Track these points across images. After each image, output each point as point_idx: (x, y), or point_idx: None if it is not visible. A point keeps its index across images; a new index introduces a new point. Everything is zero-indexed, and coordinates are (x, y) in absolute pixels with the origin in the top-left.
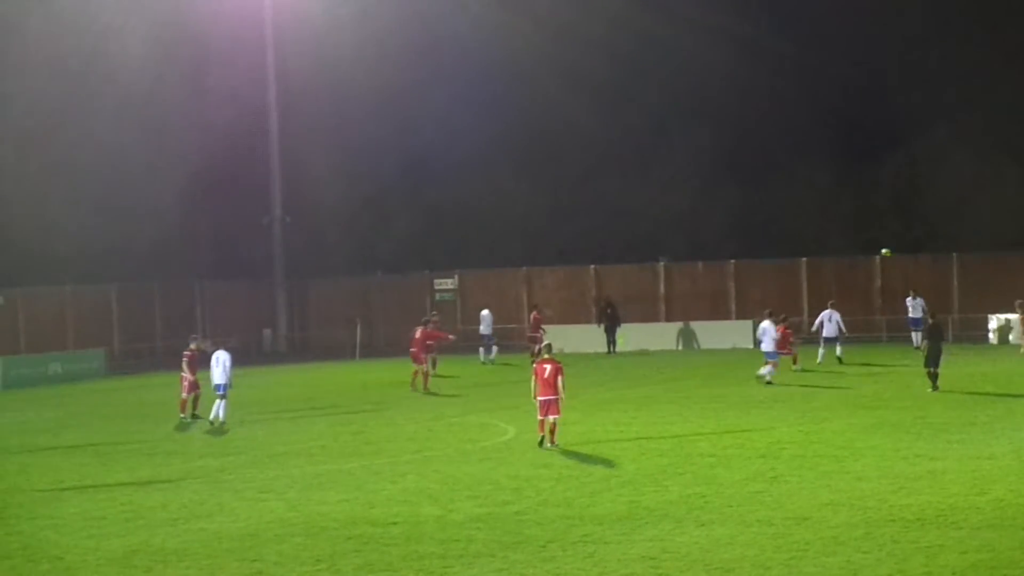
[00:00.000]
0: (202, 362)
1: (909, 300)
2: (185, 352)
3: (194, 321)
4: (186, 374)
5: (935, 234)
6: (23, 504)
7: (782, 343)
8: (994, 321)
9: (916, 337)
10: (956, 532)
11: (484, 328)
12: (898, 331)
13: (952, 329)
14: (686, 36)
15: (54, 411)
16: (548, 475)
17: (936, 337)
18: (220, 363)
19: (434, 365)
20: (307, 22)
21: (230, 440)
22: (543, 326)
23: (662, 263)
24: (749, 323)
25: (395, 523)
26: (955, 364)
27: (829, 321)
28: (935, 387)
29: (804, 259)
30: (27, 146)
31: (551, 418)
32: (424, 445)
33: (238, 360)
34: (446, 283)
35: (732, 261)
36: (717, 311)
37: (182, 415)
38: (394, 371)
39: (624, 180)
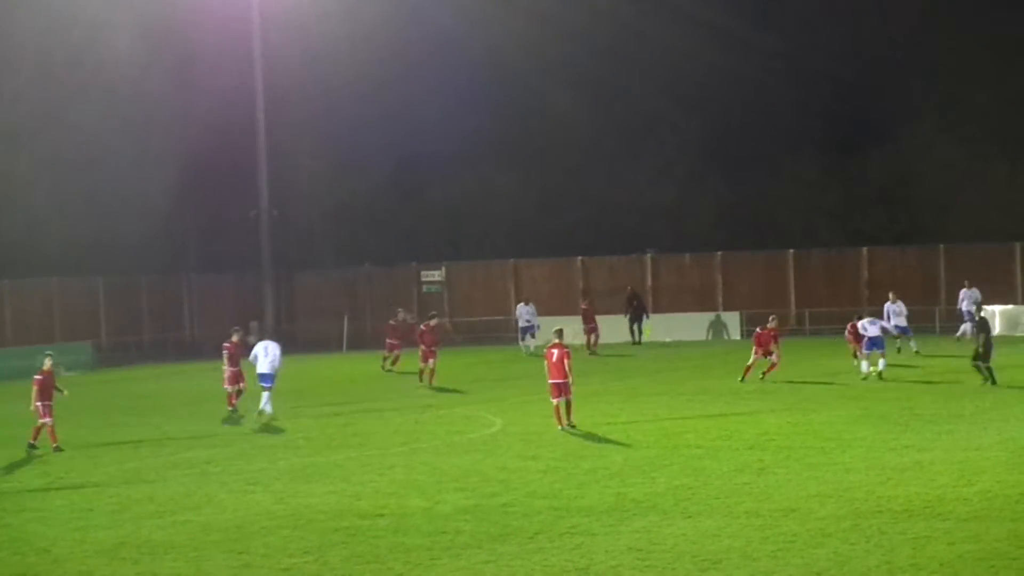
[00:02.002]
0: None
1: (964, 291)
2: (225, 344)
3: (181, 314)
4: (226, 367)
5: (922, 226)
6: (10, 497)
7: (764, 342)
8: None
9: (968, 328)
10: (943, 523)
11: (528, 319)
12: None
13: (939, 320)
14: (673, 29)
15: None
16: (535, 467)
17: (989, 330)
18: (269, 353)
19: (394, 362)
20: (294, 15)
21: (217, 432)
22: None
23: (649, 255)
24: (736, 315)
25: (382, 515)
26: (942, 356)
27: (897, 315)
28: (993, 381)
29: (791, 251)
30: (14, 140)
31: (564, 399)
32: (411, 437)
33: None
34: (433, 275)
35: (719, 253)
36: (704, 303)
37: (230, 408)
38: (381, 363)
39: (611, 172)
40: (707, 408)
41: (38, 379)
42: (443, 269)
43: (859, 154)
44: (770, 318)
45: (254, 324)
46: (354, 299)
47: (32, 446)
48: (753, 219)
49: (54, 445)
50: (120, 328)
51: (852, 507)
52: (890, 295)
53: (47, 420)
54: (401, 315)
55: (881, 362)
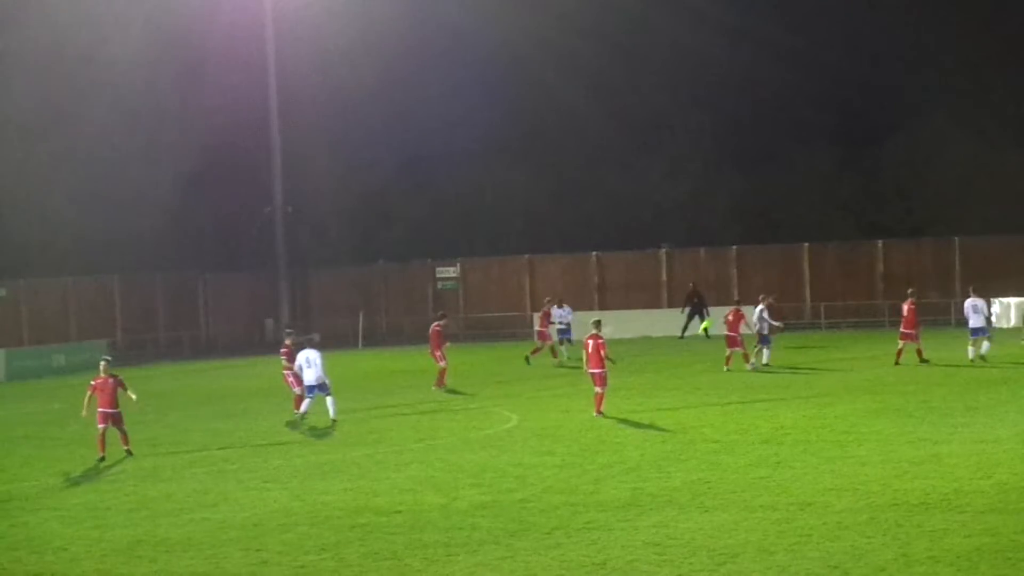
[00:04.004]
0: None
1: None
2: (282, 350)
3: (197, 312)
4: (289, 368)
5: (937, 218)
6: (28, 495)
7: (732, 327)
8: (997, 305)
9: None
10: (960, 516)
11: (564, 322)
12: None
13: (954, 313)
14: (686, 23)
15: (58, 403)
16: (552, 462)
17: None
18: (311, 363)
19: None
20: (306, 13)
21: (233, 430)
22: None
23: (664, 250)
24: (752, 308)
25: (399, 511)
26: (958, 349)
27: (975, 312)
28: None
29: (806, 244)
30: (29, 139)
31: (596, 389)
32: (427, 433)
33: (240, 350)
34: (448, 271)
35: (734, 247)
36: (720, 297)
37: (297, 412)
38: (397, 360)
39: (625, 167)
40: (723, 402)
41: (92, 385)
42: (458, 265)
43: (873, 147)
44: (735, 300)
45: (269, 322)
46: (369, 296)
47: (127, 452)
48: (768, 213)
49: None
50: (135, 326)
51: (868, 500)
52: (971, 290)
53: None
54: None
55: (985, 345)
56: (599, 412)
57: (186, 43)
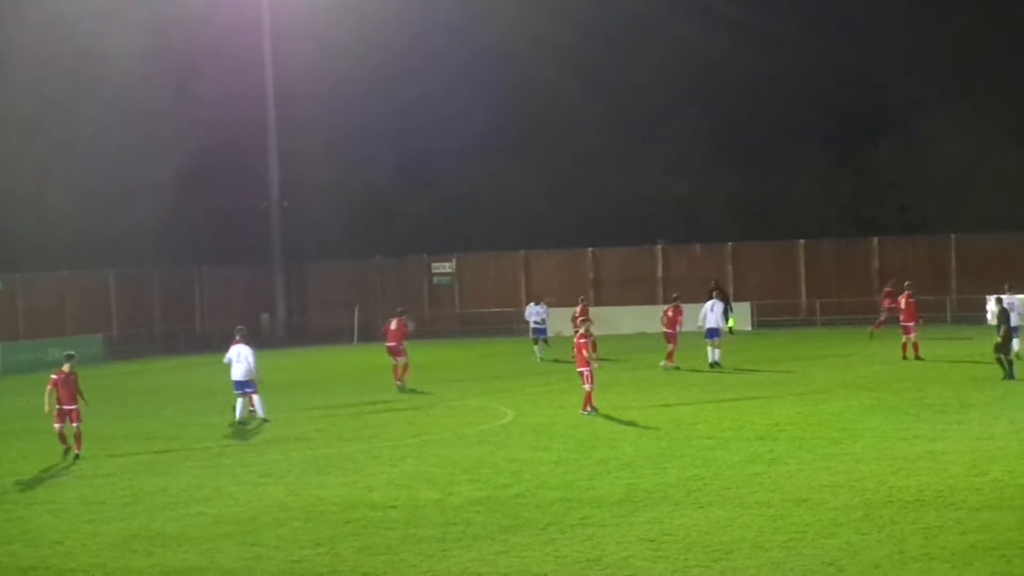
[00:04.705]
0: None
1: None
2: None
3: (193, 306)
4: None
5: (933, 216)
6: (23, 489)
7: (670, 324)
8: (992, 302)
9: None
10: (955, 513)
11: (538, 320)
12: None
13: (950, 311)
14: (683, 20)
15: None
16: (547, 458)
17: (1008, 321)
18: (242, 358)
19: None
20: (304, 8)
21: (228, 425)
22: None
23: (660, 246)
24: (747, 305)
25: (394, 506)
26: (953, 346)
27: (1012, 310)
28: (1011, 375)
29: (802, 241)
30: (25, 133)
31: (584, 387)
32: (423, 429)
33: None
34: (444, 267)
35: (730, 244)
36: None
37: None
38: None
39: (622, 164)
40: (718, 398)
41: (54, 379)
42: (454, 261)
43: (869, 144)
44: (674, 295)
45: (265, 317)
46: (365, 291)
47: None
48: (764, 210)
49: (69, 448)
50: (131, 321)
51: (863, 497)
52: (1006, 287)
53: (58, 425)
54: None
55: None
56: (588, 409)
57: (183, 38)
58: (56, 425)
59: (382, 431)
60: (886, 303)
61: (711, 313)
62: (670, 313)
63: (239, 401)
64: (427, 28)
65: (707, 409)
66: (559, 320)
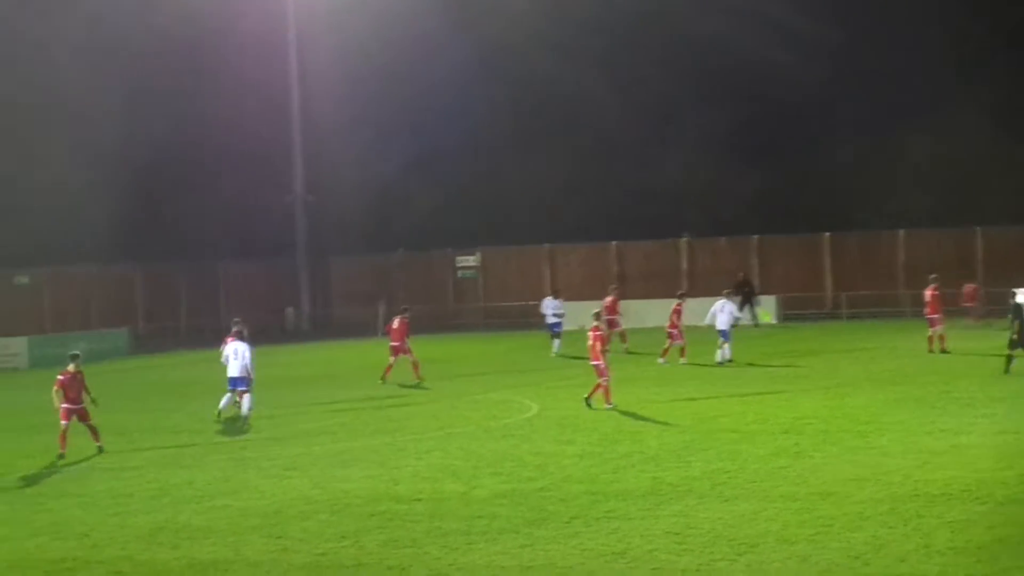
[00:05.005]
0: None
1: None
2: (228, 338)
3: (217, 301)
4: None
5: (958, 208)
6: (51, 482)
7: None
8: (1020, 295)
9: None
10: (982, 507)
11: (554, 314)
12: (921, 305)
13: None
14: (706, 9)
15: None
16: (571, 451)
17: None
18: (239, 355)
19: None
20: (326, 2)
21: (254, 419)
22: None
23: (684, 239)
24: (772, 299)
25: (419, 500)
26: (979, 338)
27: None
28: (1008, 370)
29: (827, 234)
30: (51, 128)
31: (599, 381)
32: (447, 422)
33: (260, 338)
34: (468, 260)
35: (755, 237)
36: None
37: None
38: (416, 348)
39: (645, 156)
40: (743, 392)
41: (60, 380)
42: (478, 254)
43: (895, 136)
44: (679, 292)
45: (289, 310)
46: (389, 285)
47: (99, 449)
48: (789, 202)
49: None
50: (156, 315)
51: (889, 491)
52: None
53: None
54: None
55: None
56: (587, 399)
57: (207, 31)
58: (63, 422)
59: (406, 424)
60: (967, 300)
61: (720, 313)
62: (677, 308)
63: (227, 394)
64: (449, 21)
65: (731, 403)
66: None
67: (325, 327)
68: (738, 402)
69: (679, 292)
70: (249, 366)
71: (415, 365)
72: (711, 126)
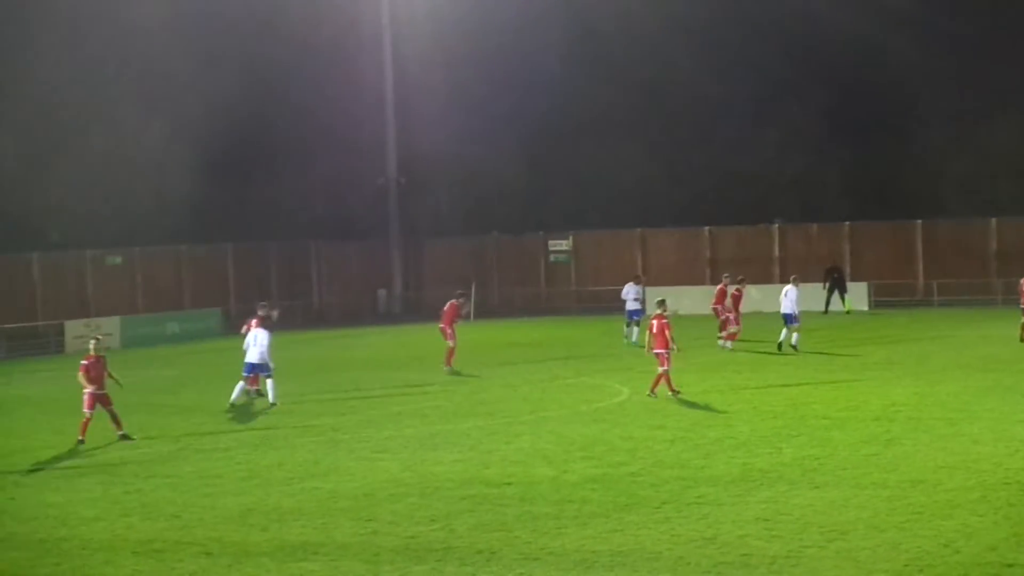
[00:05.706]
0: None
1: None
2: (253, 321)
3: (309, 282)
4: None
5: None
6: (141, 462)
7: (735, 305)
8: None
9: None
10: None
11: (631, 301)
12: (1013, 294)
13: None
14: None
15: (171, 370)
16: (662, 436)
17: None
18: (258, 342)
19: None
20: None
21: (345, 400)
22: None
23: (776, 225)
24: (864, 285)
25: (509, 483)
26: None
27: None
28: None
29: (919, 221)
30: (147, 111)
31: (659, 369)
32: (538, 406)
33: (352, 320)
34: (561, 244)
35: (847, 223)
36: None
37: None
38: (508, 331)
39: (738, 142)
40: (833, 378)
41: (84, 364)
42: (571, 238)
43: (989, 122)
44: (739, 277)
45: (382, 292)
46: (482, 268)
47: (121, 437)
48: (880, 189)
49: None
50: (248, 295)
51: (980, 479)
52: None
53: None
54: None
55: None
56: (652, 391)
57: (304, 18)
58: (86, 411)
59: (497, 408)
60: None
61: (785, 299)
62: (735, 293)
63: (239, 384)
64: (544, 4)
65: (823, 389)
66: (677, 299)
67: (417, 309)
68: (829, 389)
69: (739, 277)
70: (266, 354)
71: (450, 351)
72: (804, 111)
